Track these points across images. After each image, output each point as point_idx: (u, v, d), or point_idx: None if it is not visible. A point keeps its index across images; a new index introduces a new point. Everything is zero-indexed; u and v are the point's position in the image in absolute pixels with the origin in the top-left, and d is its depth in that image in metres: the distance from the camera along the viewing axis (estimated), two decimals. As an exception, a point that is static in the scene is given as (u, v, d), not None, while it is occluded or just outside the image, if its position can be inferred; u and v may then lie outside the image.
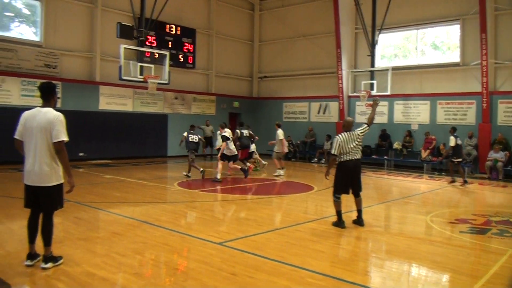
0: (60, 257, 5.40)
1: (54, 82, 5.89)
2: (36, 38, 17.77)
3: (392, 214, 9.82)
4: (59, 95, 16.90)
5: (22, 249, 5.74)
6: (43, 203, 5.24)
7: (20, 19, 17.65)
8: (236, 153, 14.22)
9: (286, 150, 16.14)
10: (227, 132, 14.24)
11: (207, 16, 23.82)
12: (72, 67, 18.63)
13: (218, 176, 13.46)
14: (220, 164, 13.86)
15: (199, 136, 14.91)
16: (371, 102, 8.46)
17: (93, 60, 19.23)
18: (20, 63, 16.93)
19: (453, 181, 14.63)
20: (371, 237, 7.27)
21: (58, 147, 5.12)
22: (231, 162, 14.24)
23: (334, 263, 5.80)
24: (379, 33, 19.86)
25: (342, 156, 7.69)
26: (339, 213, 7.75)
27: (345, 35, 21.58)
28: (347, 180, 7.75)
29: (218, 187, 12.63)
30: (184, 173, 14.52)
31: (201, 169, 14.20)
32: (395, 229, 8.21)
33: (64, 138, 5.15)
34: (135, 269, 5.42)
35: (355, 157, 7.74)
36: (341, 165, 7.75)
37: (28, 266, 5.25)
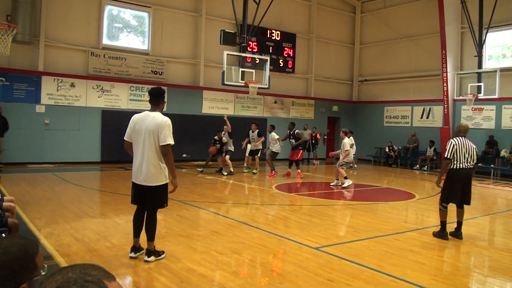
0: (162, 252, 5.69)
1: (160, 87, 6.24)
2: (143, 46, 18.95)
3: (497, 227, 9.16)
4: (165, 99, 17.81)
5: (126, 242, 6.16)
6: (148, 201, 5.57)
7: (128, 30, 18.90)
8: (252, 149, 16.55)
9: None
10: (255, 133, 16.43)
11: (307, 20, 23.85)
12: (177, 73, 19.63)
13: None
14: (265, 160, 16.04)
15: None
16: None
17: (197, 66, 20.10)
18: (128, 70, 18.17)
19: None
20: (475, 251, 6.82)
21: (165, 150, 5.41)
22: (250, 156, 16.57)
23: (435, 276, 5.51)
24: (487, 32, 18.60)
25: (454, 163, 7.27)
26: (443, 224, 7.33)
27: (450, 35, 20.37)
28: (457, 188, 7.28)
29: (316, 192, 12.57)
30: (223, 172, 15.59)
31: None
32: (500, 244, 7.61)
33: (171, 141, 5.43)
34: (232, 267, 5.59)
35: (469, 166, 7.29)
36: (452, 172, 7.30)
37: (132, 258, 5.59)
